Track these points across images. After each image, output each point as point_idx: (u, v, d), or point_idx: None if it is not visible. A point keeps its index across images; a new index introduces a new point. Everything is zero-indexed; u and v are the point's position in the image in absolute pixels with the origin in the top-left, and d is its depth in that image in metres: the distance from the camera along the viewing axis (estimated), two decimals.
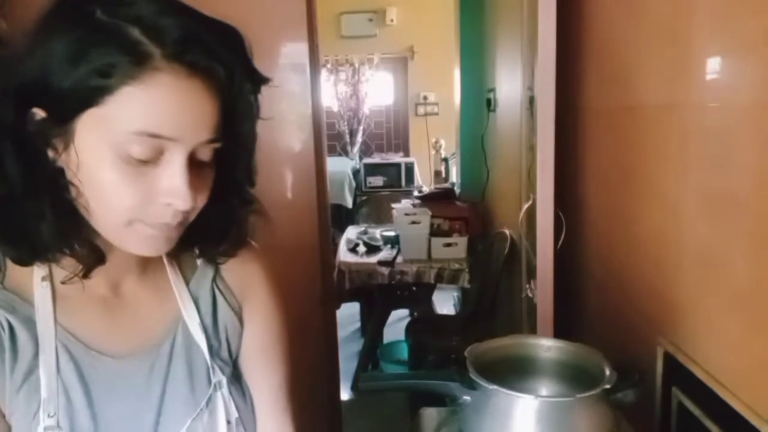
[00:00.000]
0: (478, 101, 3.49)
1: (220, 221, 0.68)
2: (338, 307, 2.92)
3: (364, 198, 5.07)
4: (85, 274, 0.60)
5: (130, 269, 0.68)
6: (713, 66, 1.05)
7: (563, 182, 1.74)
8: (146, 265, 0.69)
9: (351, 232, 3.61)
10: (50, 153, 0.56)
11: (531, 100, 1.85)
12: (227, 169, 0.64)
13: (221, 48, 0.57)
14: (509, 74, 2.57)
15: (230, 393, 0.72)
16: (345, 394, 2.95)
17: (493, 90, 3.07)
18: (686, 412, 1.13)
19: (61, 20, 0.54)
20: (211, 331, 0.72)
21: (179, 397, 0.68)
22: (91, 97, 0.52)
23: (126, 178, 0.55)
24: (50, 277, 0.62)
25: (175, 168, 0.56)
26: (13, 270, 0.61)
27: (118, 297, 0.67)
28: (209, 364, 0.71)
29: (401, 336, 3.16)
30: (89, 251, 0.60)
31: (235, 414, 0.71)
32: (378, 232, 3.43)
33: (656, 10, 1.29)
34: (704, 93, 1.09)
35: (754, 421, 0.91)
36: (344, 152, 6.09)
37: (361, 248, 3.26)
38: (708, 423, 1.04)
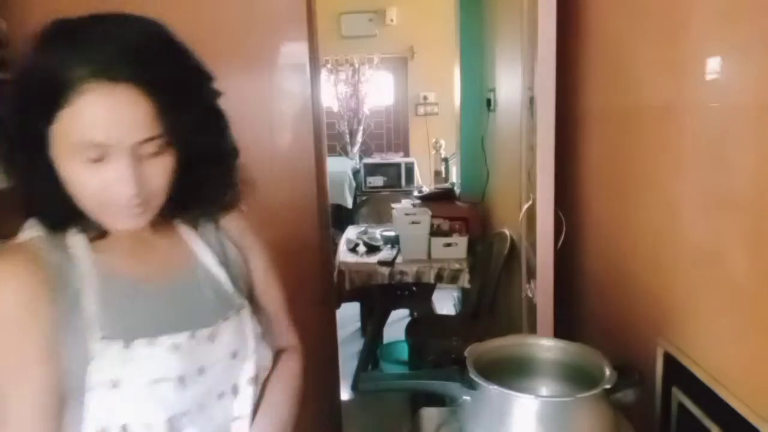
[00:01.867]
0: (478, 101, 3.50)
1: (210, 188, 0.85)
2: (338, 307, 2.93)
3: (364, 198, 5.06)
4: (100, 237, 0.78)
5: (146, 229, 0.81)
6: (713, 66, 1.05)
7: (563, 182, 1.74)
8: (157, 225, 0.83)
9: (351, 232, 3.61)
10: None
11: (531, 100, 1.85)
12: (197, 148, 0.78)
13: (142, 57, 0.68)
14: (509, 74, 2.57)
15: (252, 313, 0.89)
16: (345, 394, 2.95)
17: (493, 90, 3.07)
18: (686, 412, 1.13)
19: (24, 66, 0.70)
20: (227, 267, 0.90)
21: (209, 311, 0.84)
22: (44, 121, 0.68)
23: (84, 173, 0.70)
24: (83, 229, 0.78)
25: (117, 164, 0.69)
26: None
27: (139, 244, 0.83)
28: (232, 291, 0.88)
29: (401, 336, 3.16)
30: (94, 226, 0.76)
31: (258, 328, 0.89)
32: (378, 232, 3.43)
33: (656, 10, 1.29)
34: (704, 93, 1.09)
35: (753, 420, 0.91)
36: (344, 152, 6.09)
37: (361, 248, 3.26)
38: (708, 423, 1.04)
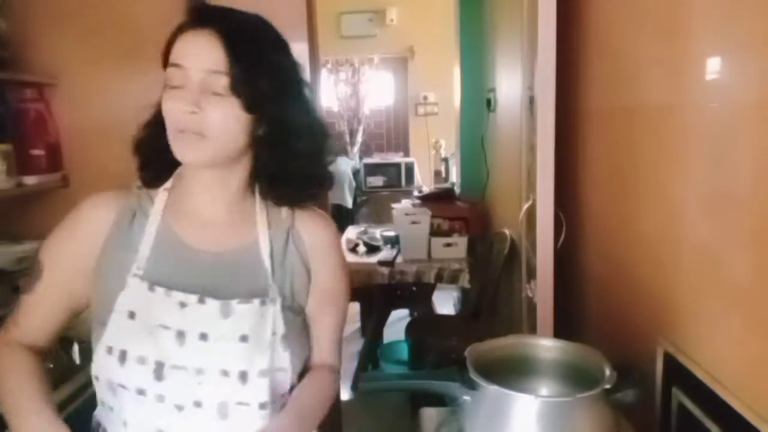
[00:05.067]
0: (478, 101, 3.50)
1: (281, 171, 0.95)
2: None
3: (364, 198, 5.07)
4: (158, 178, 0.96)
5: (223, 199, 0.96)
6: (713, 66, 1.05)
7: (563, 182, 1.74)
8: (240, 201, 0.97)
9: (351, 232, 3.61)
10: None
11: (531, 100, 1.85)
12: (268, 111, 0.91)
13: (232, 17, 0.89)
14: (509, 74, 2.57)
15: (284, 314, 0.93)
16: (345, 394, 2.95)
17: (493, 90, 3.07)
18: (686, 412, 1.13)
19: None
20: (278, 265, 0.96)
21: (231, 288, 0.92)
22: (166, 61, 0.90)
23: (167, 98, 0.87)
24: (170, 190, 0.96)
25: (186, 88, 0.86)
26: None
27: (212, 217, 0.96)
28: (270, 283, 0.94)
29: (401, 336, 3.16)
30: (163, 164, 0.95)
31: (282, 329, 0.92)
32: (378, 232, 3.43)
33: (656, 10, 1.29)
34: (704, 93, 1.09)
35: (754, 421, 0.92)
36: (344, 152, 6.09)
37: (361, 248, 3.26)
38: (708, 423, 1.04)
